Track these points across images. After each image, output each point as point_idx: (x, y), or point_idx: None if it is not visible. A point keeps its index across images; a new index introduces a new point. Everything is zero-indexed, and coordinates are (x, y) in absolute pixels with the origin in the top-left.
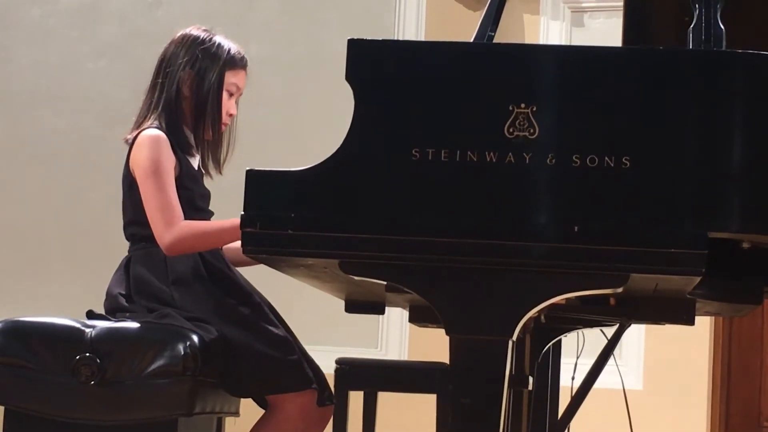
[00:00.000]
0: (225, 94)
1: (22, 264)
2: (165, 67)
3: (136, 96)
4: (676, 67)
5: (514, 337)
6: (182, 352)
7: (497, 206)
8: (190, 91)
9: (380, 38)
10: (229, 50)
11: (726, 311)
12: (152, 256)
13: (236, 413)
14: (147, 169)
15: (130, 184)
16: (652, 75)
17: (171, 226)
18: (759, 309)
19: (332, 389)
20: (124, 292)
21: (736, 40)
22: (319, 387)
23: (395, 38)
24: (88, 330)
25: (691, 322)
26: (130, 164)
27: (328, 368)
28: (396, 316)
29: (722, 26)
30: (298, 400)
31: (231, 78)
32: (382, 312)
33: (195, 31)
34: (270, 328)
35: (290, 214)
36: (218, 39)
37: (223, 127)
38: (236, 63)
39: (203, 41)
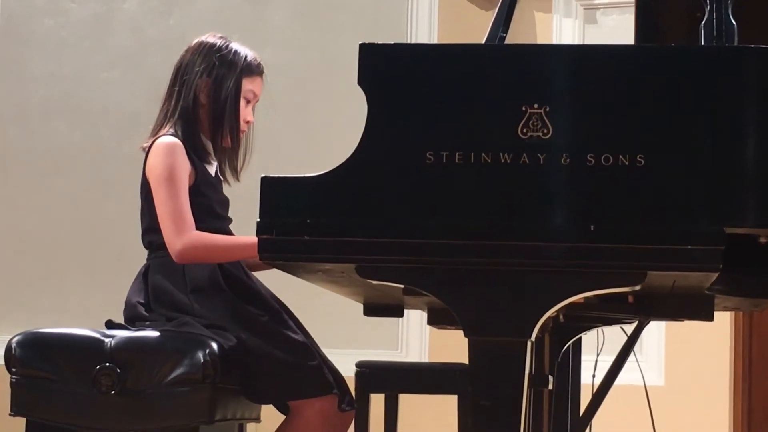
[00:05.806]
0: (242, 101)
1: (40, 275)
2: (181, 75)
3: (150, 105)
4: (689, 63)
5: (533, 338)
6: (201, 360)
7: (512, 207)
8: (208, 98)
9: (392, 41)
10: (246, 57)
11: (745, 306)
12: (170, 265)
13: (257, 419)
14: (160, 175)
15: (146, 191)
16: (664, 72)
17: (181, 233)
18: None
19: (353, 393)
20: (143, 301)
21: (749, 34)
22: (339, 391)
23: (408, 40)
24: (107, 340)
25: (710, 318)
26: (146, 171)
27: (348, 372)
28: (416, 317)
29: (734, 21)
30: (318, 405)
31: (248, 85)
32: (400, 315)
33: (211, 38)
34: (289, 334)
35: (306, 220)
36: (235, 46)
37: (241, 134)
38: (253, 70)
39: (220, 48)
